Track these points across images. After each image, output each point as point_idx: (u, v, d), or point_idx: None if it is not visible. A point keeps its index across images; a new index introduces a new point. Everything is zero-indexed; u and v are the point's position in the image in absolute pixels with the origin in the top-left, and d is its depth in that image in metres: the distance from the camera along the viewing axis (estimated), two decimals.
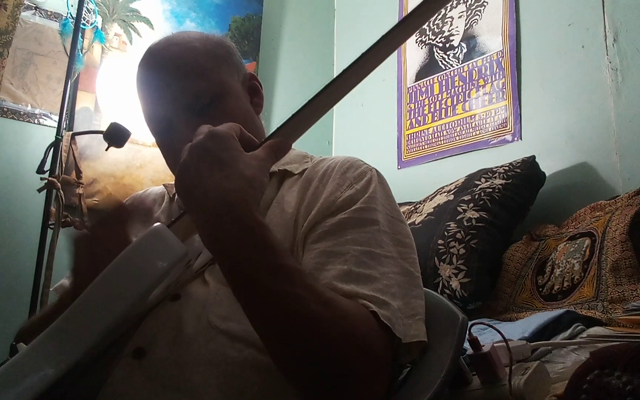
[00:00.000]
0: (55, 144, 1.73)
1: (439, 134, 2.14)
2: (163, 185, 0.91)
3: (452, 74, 2.13)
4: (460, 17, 2.15)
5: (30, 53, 1.96)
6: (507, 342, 0.70)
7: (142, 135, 2.03)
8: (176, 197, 0.85)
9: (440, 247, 1.48)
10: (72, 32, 1.87)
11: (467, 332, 0.67)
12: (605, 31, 1.63)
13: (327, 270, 0.62)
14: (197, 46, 0.77)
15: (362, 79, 0.59)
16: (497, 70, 1.95)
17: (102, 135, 1.63)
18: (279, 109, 2.52)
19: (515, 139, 1.84)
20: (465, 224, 1.48)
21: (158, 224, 0.54)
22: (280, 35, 2.66)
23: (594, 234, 1.28)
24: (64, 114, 1.77)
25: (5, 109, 1.89)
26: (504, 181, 1.56)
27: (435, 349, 0.63)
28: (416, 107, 2.26)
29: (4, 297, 1.75)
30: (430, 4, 0.56)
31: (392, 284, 0.62)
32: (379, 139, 2.40)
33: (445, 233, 1.50)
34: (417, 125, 2.24)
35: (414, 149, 2.23)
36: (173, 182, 0.77)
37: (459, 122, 2.06)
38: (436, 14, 2.26)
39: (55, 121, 1.83)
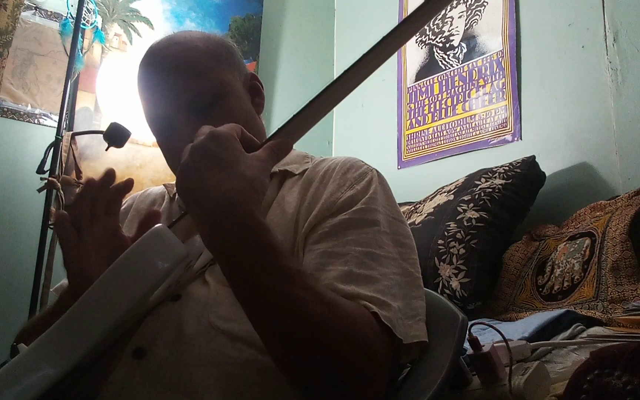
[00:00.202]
0: (55, 144, 1.73)
1: (439, 134, 2.14)
2: (163, 185, 0.91)
3: (452, 74, 2.13)
4: (460, 17, 2.15)
5: (30, 53, 1.96)
6: (507, 342, 0.70)
7: (142, 135, 2.03)
8: (176, 197, 0.85)
9: (440, 247, 1.48)
10: (72, 32, 1.87)
11: (467, 332, 0.67)
12: (605, 31, 1.63)
13: (327, 271, 0.62)
14: (199, 46, 0.77)
15: (363, 81, 0.59)
16: (497, 70, 1.95)
17: (102, 135, 1.63)
18: (279, 109, 2.51)
19: (515, 139, 1.84)
20: (465, 224, 1.48)
21: (159, 224, 0.54)
22: (280, 35, 2.66)
23: (594, 234, 1.28)
24: (64, 114, 1.77)
25: (5, 109, 1.89)
26: (504, 181, 1.56)
27: (435, 349, 0.63)
28: (416, 107, 2.26)
29: (4, 298, 1.75)
30: (431, 5, 0.55)
31: (393, 285, 0.62)
32: (379, 139, 2.40)
33: (445, 233, 1.50)
34: (417, 125, 2.24)
35: (414, 149, 2.23)
36: (173, 182, 0.77)
37: (459, 122, 2.06)
38: (436, 15, 2.25)
39: (55, 121, 1.83)
